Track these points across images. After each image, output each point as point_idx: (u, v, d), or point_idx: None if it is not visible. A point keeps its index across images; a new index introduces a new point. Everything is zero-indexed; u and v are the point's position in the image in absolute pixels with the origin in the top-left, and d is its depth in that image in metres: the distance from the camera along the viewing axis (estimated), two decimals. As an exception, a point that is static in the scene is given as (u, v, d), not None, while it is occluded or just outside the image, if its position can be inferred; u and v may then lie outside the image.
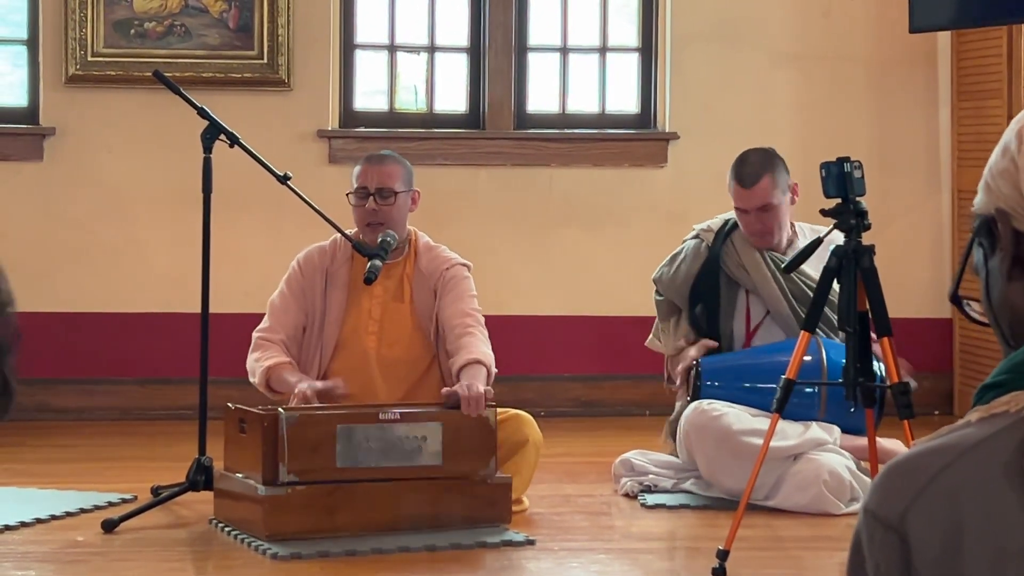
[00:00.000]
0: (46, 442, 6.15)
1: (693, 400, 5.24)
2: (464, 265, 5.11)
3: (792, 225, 5.41)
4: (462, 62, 7.11)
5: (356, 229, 5.11)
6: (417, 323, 5.06)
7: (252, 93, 6.82)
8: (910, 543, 1.35)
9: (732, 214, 5.44)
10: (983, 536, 1.33)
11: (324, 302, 5.07)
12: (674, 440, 5.37)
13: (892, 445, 5.14)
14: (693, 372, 5.26)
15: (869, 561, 1.38)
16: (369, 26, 7.09)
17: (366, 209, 5.02)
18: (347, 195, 5.11)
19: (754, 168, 5.25)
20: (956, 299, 1.50)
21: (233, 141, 5.02)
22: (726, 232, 5.39)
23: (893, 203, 6.98)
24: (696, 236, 5.47)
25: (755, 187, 5.23)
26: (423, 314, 5.06)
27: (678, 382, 5.32)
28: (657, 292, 5.50)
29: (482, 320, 5.03)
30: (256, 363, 4.99)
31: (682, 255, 5.45)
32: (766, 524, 4.92)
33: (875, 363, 4.60)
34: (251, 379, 5.03)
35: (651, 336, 5.56)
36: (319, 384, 4.85)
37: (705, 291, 5.36)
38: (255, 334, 5.06)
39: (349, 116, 7.03)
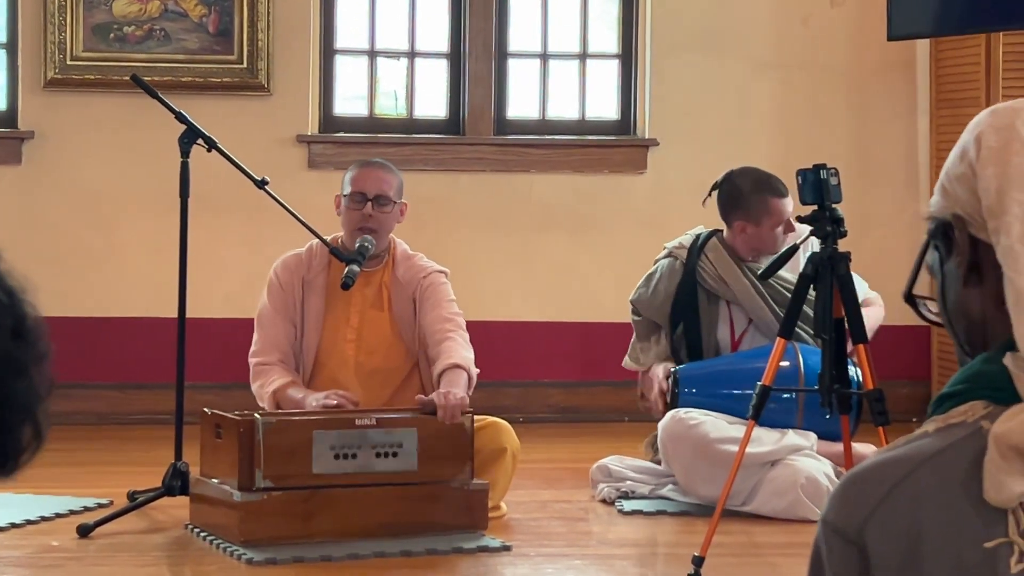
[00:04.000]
0: (23, 446, 6.12)
1: (671, 408, 5.24)
2: (441, 272, 5.10)
3: None
4: (442, 68, 7.11)
5: (335, 235, 5.09)
6: (397, 331, 5.04)
7: (231, 98, 6.82)
8: (869, 554, 1.35)
9: (702, 229, 5.45)
10: (942, 547, 1.33)
11: (303, 310, 5.05)
12: (653, 451, 5.38)
13: (869, 451, 5.14)
14: (671, 380, 5.26)
15: (828, 573, 1.38)
16: (349, 31, 7.09)
17: (362, 214, 4.98)
18: (343, 196, 5.03)
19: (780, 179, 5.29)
20: (910, 299, 1.50)
21: (211, 145, 5.01)
22: (699, 247, 5.39)
23: (872, 211, 6.99)
24: (669, 255, 5.46)
25: (788, 195, 5.27)
26: (403, 322, 5.04)
27: (651, 397, 5.32)
28: (635, 312, 5.49)
29: (462, 324, 5.01)
30: (261, 389, 4.95)
31: (658, 275, 5.44)
32: (743, 530, 4.93)
33: (851, 369, 4.61)
34: (260, 404, 4.99)
35: (627, 357, 5.55)
36: (326, 400, 4.79)
37: (685, 308, 5.37)
38: (251, 360, 5.01)
39: (329, 121, 7.02)
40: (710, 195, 5.34)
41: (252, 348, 5.03)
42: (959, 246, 1.43)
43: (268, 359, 4.97)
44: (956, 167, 1.44)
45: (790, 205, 5.27)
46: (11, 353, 1.22)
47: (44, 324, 1.27)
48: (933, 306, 1.49)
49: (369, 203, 4.97)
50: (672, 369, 5.30)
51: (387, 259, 5.10)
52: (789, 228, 5.22)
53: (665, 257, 5.49)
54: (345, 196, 5.02)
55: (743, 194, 5.27)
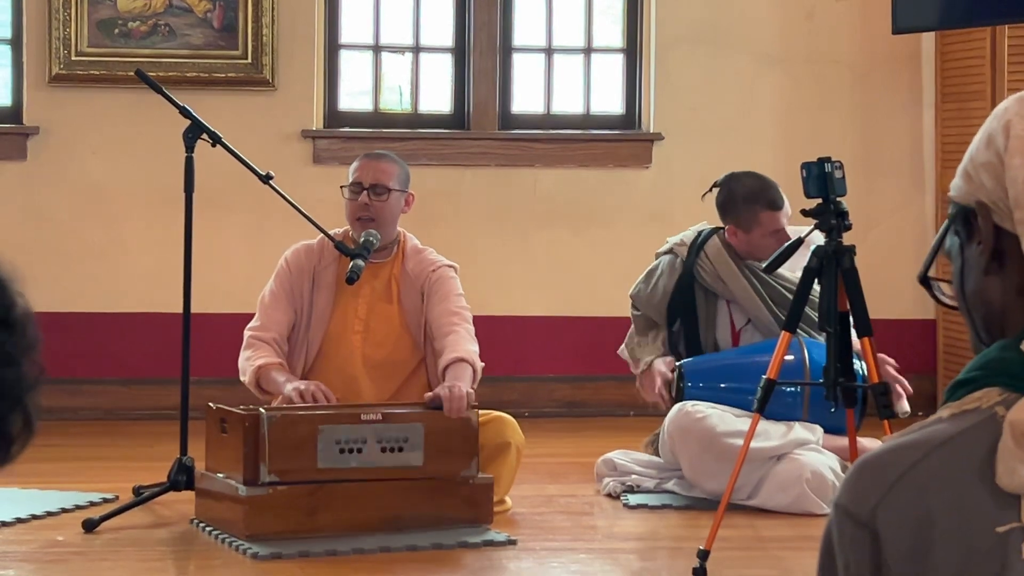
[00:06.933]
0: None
1: (677, 402, 5.24)
2: (451, 266, 5.11)
3: None
4: (447, 62, 7.10)
5: (342, 229, 5.10)
6: (404, 324, 5.05)
7: (236, 93, 6.81)
8: (880, 539, 1.35)
9: (704, 225, 5.46)
10: (953, 532, 1.33)
11: (311, 301, 5.06)
12: (653, 450, 5.39)
13: (874, 445, 5.14)
14: (675, 373, 5.26)
15: (839, 557, 1.38)
16: (354, 26, 7.09)
17: (358, 203, 5.01)
18: (341, 188, 5.09)
19: (778, 189, 5.30)
20: (925, 280, 1.49)
21: (215, 141, 5.01)
22: (699, 245, 5.40)
23: (877, 205, 6.99)
24: (670, 251, 5.47)
25: (785, 204, 5.29)
26: (411, 316, 5.05)
27: (650, 399, 5.34)
28: (634, 307, 5.51)
29: (469, 318, 5.02)
30: (247, 362, 4.98)
31: (658, 271, 5.45)
32: (748, 524, 4.92)
33: (856, 363, 4.60)
34: (242, 378, 5.01)
35: (623, 346, 5.56)
36: (302, 385, 4.81)
37: (682, 306, 5.37)
38: (247, 332, 5.05)
39: (333, 116, 7.02)
40: (710, 191, 5.36)
41: (251, 323, 5.05)
42: (982, 234, 1.42)
43: (263, 335, 4.99)
44: (982, 154, 1.42)
45: (783, 217, 5.28)
46: (0, 342, 1.21)
47: (32, 313, 1.26)
48: (947, 288, 1.49)
49: (365, 192, 5.00)
50: (677, 363, 5.29)
51: (396, 252, 5.11)
52: (785, 238, 5.22)
53: (666, 252, 5.49)
54: (345, 187, 5.06)
55: (736, 201, 5.29)
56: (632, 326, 5.53)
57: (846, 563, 1.37)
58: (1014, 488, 1.32)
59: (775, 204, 5.27)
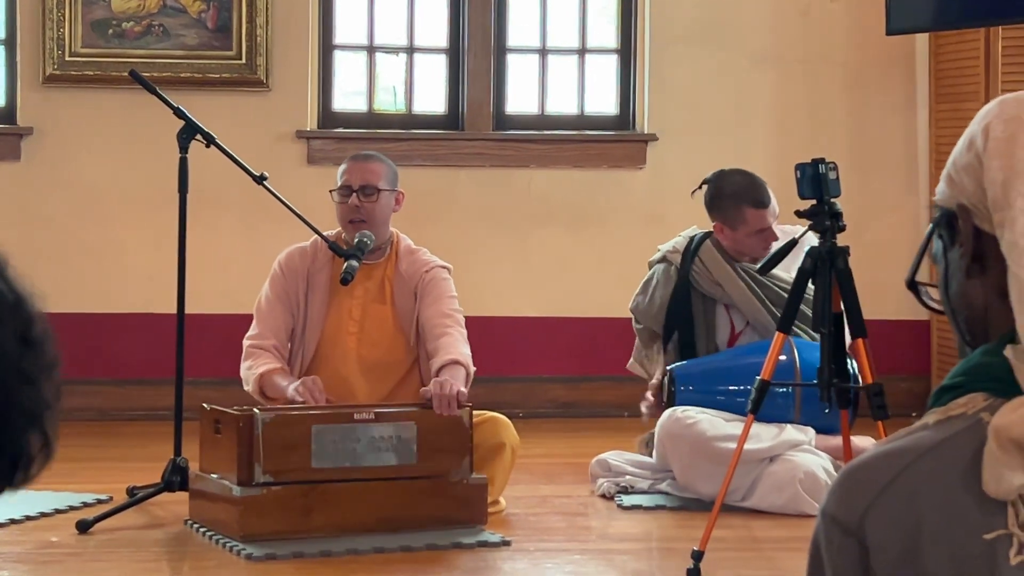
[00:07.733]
0: (22, 443, 6.11)
1: (668, 406, 5.24)
2: (444, 267, 5.11)
3: None
4: (441, 63, 7.10)
5: (335, 230, 5.10)
6: (398, 325, 5.05)
7: (230, 93, 6.81)
8: (868, 546, 1.34)
9: (694, 230, 5.47)
10: (942, 539, 1.33)
11: (305, 303, 5.06)
12: (648, 449, 5.39)
13: (868, 444, 5.14)
14: (667, 378, 5.27)
15: (827, 565, 1.37)
16: (348, 27, 7.09)
17: (349, 205, 5.02)
18: (330, 192, 5.10)
19: (765, 187, 5.31)
20: (913, 285, 1.49)
21: (209, 141, 5.01)
22: (692, 251, 5.40)
23: (871, 205, 6.99)
24: (663, 259, 5.48)
25: (772, 203, 5.30)
26: (404, 316, 5.05)
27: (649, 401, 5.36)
28: (636, 321, 5.51)
29: (461, 320, 5.02)
30: (248, 371, 4.98)
31: (654, 281, 5.46)
32: (742, 525, 4.93)
33: (849, 363, 4.61)
34: (245, 387, 5.01)
35: (632, 360, 5.57)
36: (300, 387, 4.81)
37: (680, 313, 5.37)
38: (246, 342, 5.04)
39: (328, 117, 7.02)
40: (700, 188, 5.37)
41: (249, 332, 5.05)
42: (963, 236, 1.42)
43: (262, 343, 4.99)
44: (963, 157, 1.43)
45: (770, 216, 5.29)
46: (19, 359, 1.21)
47: (52, 332, 1.25)
48: (935, 293, 1.49)
49: (355, 194, 5.01)
50: (668, 368, 5.30)
51: (390, 253, 5.11)
52: (771, 237, 5.23)
53: (659, 261, 5.49)
54: (334, 190, 5.06)
55: (723, 198, 5.31)
56: (637, 340, 5.54)
57: (835, 570, 1.37)
58: (1001, 494, 1.32)
59: (761, 202, 5.27)
